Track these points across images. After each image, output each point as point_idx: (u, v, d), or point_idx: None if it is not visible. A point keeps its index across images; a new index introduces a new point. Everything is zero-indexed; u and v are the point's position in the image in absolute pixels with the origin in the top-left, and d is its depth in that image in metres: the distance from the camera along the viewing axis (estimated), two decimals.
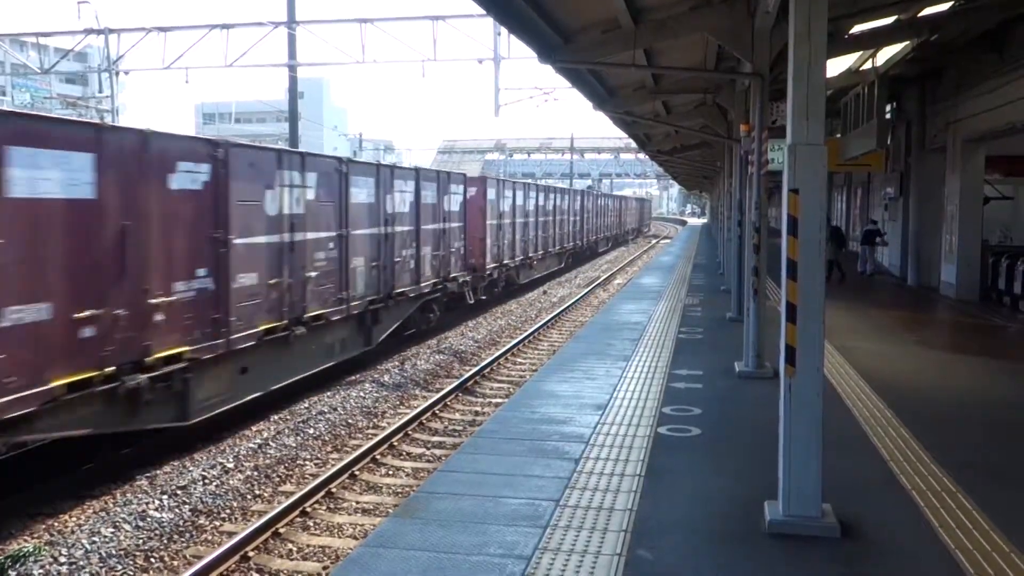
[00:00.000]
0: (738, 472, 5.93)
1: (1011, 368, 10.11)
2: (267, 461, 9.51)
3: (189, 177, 9.71)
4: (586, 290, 26.52)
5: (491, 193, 22.30)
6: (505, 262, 23.70)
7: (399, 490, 8.82)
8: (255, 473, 9.12)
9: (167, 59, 25.55)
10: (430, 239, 17.60)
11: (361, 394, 12.58)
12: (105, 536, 7.38)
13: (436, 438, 10.66)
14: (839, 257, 19.31)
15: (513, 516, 5.04)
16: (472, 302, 20.60)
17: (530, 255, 26.72)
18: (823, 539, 4.66)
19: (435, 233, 17.95)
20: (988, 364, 10.34)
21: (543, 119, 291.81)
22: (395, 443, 10.24)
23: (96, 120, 9.04)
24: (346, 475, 9.00)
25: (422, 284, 17.03)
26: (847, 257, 22.05)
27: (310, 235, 12.42)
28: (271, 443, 10.09)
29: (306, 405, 11.94)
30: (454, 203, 19.37)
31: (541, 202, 28.13)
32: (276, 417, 11.31)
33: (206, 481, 8.78)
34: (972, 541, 4.63)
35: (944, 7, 11.19)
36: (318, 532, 7.77)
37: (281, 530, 7.59)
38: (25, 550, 6.93)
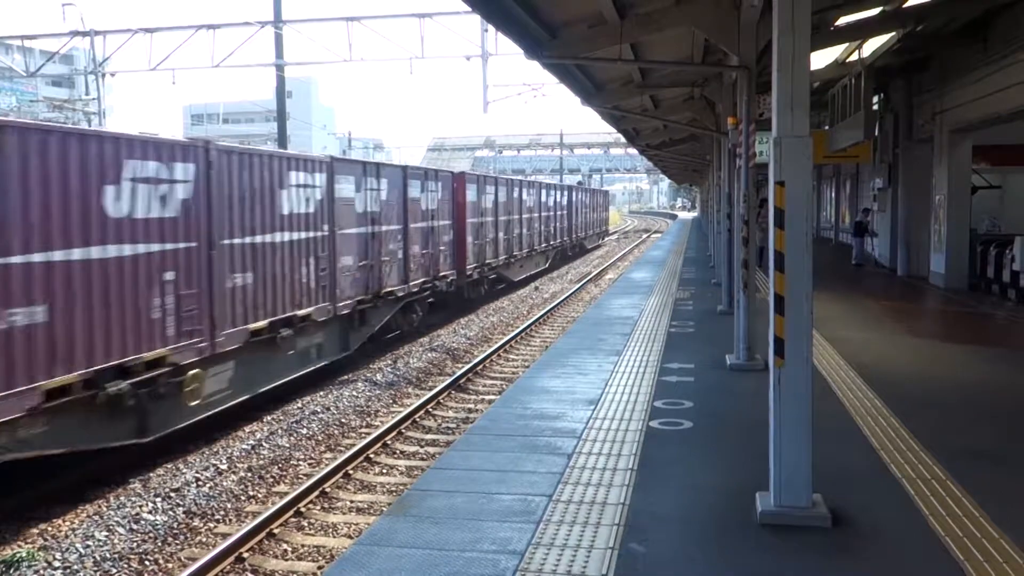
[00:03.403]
0: (730, 464, 5.96)
1: (1000, 355, 10.17)
2: (260, 462, 9.50)
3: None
4: (577, 286, 26.56)
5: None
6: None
7: (393, 488, 8.83)
8: (249, 474, 9.12)
9: (153, 60, 25.53)
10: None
11: (354, 393, 12.58)
12: (99, 540, 7.36)
13: (429, 436, 10.67)
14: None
15: (506, 512, 5.05)
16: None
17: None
18: (814, 529, 4.69)
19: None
20: (977, 352, 10.40)
21: (532, 115, 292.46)
22: (388, 441, 10.24)
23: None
24: (340, 474, 9.01)
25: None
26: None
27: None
28: (264, 444, 10.08)
29: (299, 405, 11.93)
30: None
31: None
32: (269, 418, 11.30)
33: (199, 483, 8.77)
34: (962, 528, 4.67)
35: None
36: (312, 532, 7.78)
37: (275, 530, 7.60)
38: (19, 555, 6.93)
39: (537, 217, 30.79)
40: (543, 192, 32.48)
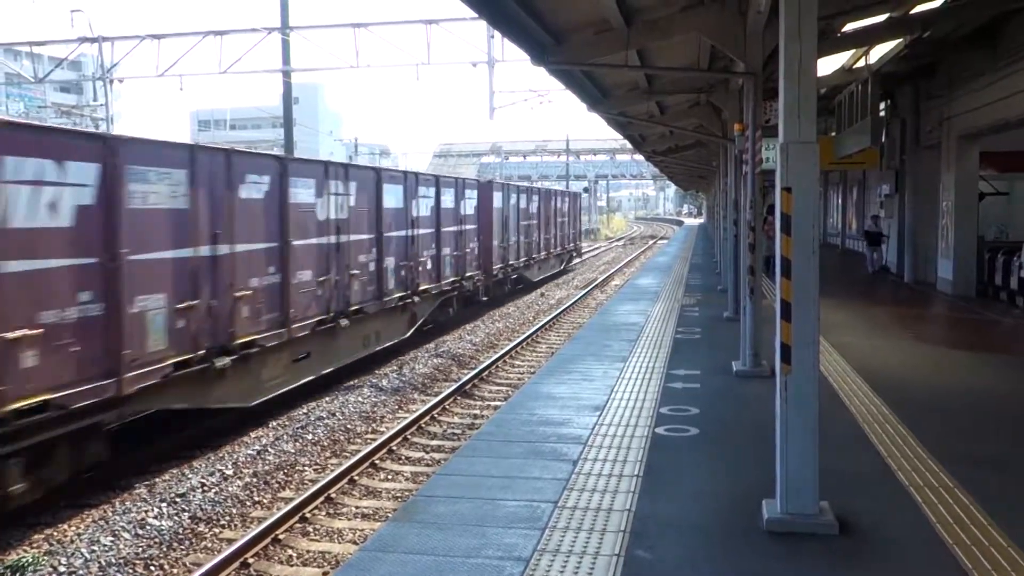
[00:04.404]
0: (736, 471, 5.94)
1: (1007, 362, 10.14)
2: (266, 467, 9.50)
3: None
4: (584, 292, 26.56)
5: None
6: None
7: (398, 494, 8.81)
8: (254, 479, 9.12)
9: (161, 66, 25.57)
10: None
11: (359, 399, 12.58)
12: (104, 545, 7.37)
13: (435, 442, 10.65)
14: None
15: (511, 518, 5.04)
16: None
17: None
18: (821, 536, 4.67)
19: None
20: (985, 359, 10.36)
21: (538, 121, 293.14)
22: (394, 447, 10.23)
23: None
24: (345, 480, 8.99)
25: None
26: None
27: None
28: (270, 449, 10.08)
29: (304, 411, 11.93)
30: None
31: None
32: (275, 423, 11.30)
33: (205, 488, 8.77)
34: (970, 536, 4.64)
35: (936, 3, 11.22)
36: (317, 538, 7.77)
37: (281, 536, 7.59)
38: (24, 560, 6.94)
39: (369, 240, 14.73)
40: (398, 191, 16.12)
